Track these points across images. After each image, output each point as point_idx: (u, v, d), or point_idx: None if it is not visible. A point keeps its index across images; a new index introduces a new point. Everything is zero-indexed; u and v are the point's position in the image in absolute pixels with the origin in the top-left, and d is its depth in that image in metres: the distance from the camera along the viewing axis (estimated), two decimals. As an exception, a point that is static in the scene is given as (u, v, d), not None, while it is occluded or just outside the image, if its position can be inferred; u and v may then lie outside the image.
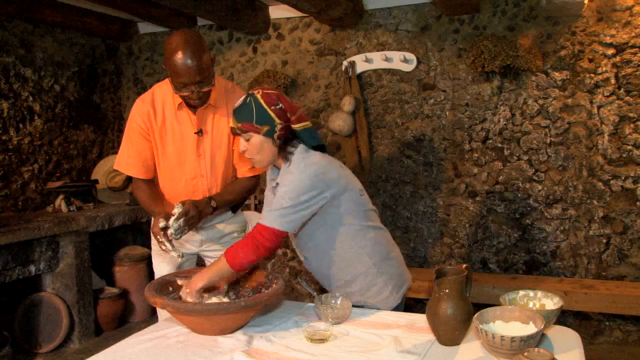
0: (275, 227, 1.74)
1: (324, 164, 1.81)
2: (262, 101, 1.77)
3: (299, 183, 1.75)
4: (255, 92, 1.80)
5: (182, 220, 1.92)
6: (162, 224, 1.92)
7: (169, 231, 1.91)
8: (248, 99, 1.78)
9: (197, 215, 1.98)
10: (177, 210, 1.94)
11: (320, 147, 1.88)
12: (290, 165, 1.80)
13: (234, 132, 1.83)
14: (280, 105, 1.79)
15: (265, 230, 1.75)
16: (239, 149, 2.17)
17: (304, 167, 1.77)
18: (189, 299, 1.78)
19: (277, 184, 1.85)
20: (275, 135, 1.78)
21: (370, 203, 1.98)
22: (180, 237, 1.95)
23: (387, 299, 1.95)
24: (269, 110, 1.76)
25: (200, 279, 1.78)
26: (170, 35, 1.99)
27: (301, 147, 1.83)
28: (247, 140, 1.80)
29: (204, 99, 2.06)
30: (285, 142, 1.82)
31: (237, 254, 1.75)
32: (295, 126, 1.81)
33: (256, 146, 1.80)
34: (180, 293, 1.83)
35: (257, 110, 1.76)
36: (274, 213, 1.75)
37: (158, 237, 1.94)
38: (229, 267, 1.76)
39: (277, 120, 1.77)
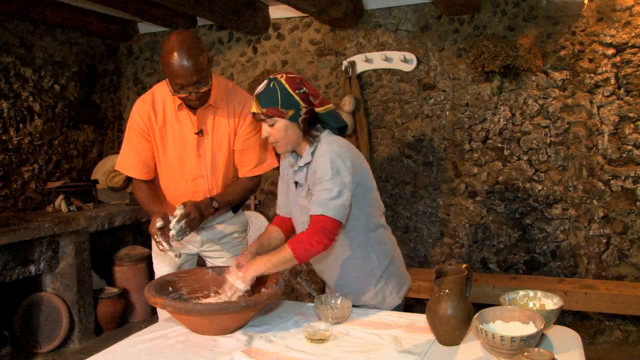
0: (335, 217, 1.71)
1: (352, 147, 1.84)
2: (286, 85, 1.74)
3: (337, 161, 1.74)
4: (279, 76, 1.77)
5: (183, 222, 1.92)
6: (159, 223, 1.91)
7: (171, 233, 1.91)
8: (272, 83, 1.75)
9: (199, 216, 1.98)
10: (178, 212, 1.93)
11: (341, 129, 1.89)
12: (319, 148, 1.79)
13: (257, 118, 1.80)
14: (304, 89, 1.77)
15: (329, 219, 1.70)
16: (239, 149, 2.18)
17: (338, 148, 1.77)
18: (238, 285, 1.75)
19: (299, 167, 1.85)
20: (300, 119, 1.77)
21: (380, 201, 1.98)
22: (182, 238, 1.96)
23: (388, 299, 1.95)
24: (293, 94, 1.74)
25: (261, 267, 1.73)
26: (167, 37, 1.98)
27: (327, 131, 1.84)
28: (272, 125, 1.77)
29: (202, 100, 2.06)
30: (309, 125, 1.81)
31: (307, 246, 1.69)
32: (319, 109, 1.80)
33: (280, 131, 1.77)
34: (228, 276, 1.78)
35: (282, 95, 1.74)
36: (331, 203, 1.70)
37: (155, 236, 1.94)
38: (294, 259, 1.71)
39: (302, 104, 1.76)
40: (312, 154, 1.81)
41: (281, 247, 1.76)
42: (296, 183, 1.90)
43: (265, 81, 1.77)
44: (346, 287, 1.94)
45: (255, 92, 1.79)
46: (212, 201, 2.08)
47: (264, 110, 1.75)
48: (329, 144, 1.79)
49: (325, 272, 2.00)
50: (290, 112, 1.75)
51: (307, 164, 1.83)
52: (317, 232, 1.70)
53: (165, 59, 1.94)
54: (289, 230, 2.04)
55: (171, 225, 1.90)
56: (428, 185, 3.77)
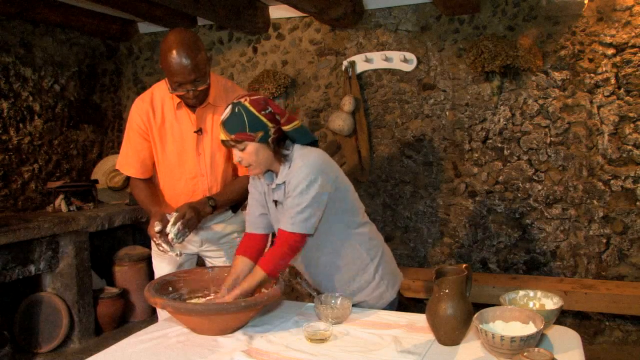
0: (301, 232, 1.78)
1: (324, 156, 1.85)
2: (251, 108, 1.74)
3: (308, 177, 1.76)
4: (242, 100, 1.77)
5: (179, 223, 1.93)
6: (157, 227, 1.93)
7: (170, 236, 1.92)
8: (236, 108, 1.75)
9: (195, 216, 1.99)
10: (173, 215, 1.95)
11: (313, 144, 1.90)
12: (293, 164, 1.81)
13: (227, 145, 1.80)
14: (269, 109, 1.78)
15: (293, 235, 1.78)
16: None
17: (311, 161, 1.78)
18: None
19: (277, 185, 1.85)
20: (270, 140, 1.77)
21: (360, 201, 2.00)
22: (182, 240, 1.97)
23: (383, 295, 1.98)
24: (260, 115, 1.74)
25: (239, 292, 1.80)
26: (165, 35, 1.99)
27: (297, 146, 1.84)
28: (242, 149, 1.77)
29: (200, 98, 2.06)
30: (278, 144, 1.81)
31: (275, 263, 1.79)
32: (286, 127, 1.81)
33: (252, 154, 1.77)
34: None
35: (249, 118, 1.73)
36: (297, 218, 1.77)
37: (154, 239, 1.96)
38: (266, 276, 1.80)
39: (270, 125, 1.76)
40: (289, 170, 1.82)
41: (254, 269, 1.83)
42: (275, 202, 1.90)
43: (230, 107, 1.77)
44: (343, 289, 1.94)
45: (221, 118, 1.77)
46: (209, 200, 2.09)
47: (233, 136, 1.75)
48: (302, 158, 1.80)
49: (319, 277, 2.00)
50: (259, 134, 1.75)
51: (285, 182, 1.83)
52: (285, 247, 1.79)
53: (163, 57, 1.95)
54: (257, 250, 1.97)
55: (168, 229, 1.92)
56: (428, 185, 3.77)
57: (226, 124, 1.75)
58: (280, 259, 1.79)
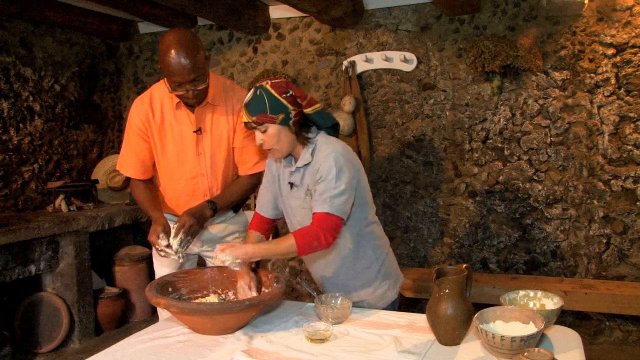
0: (339, 215, 1.75)
1: (348, 147, 1.87)
2: (272, 91, 1.77)
3: (339, 162, 1.77)
4: (264, 83, 1.80)
5: (181, 233, 1.94)
6: (164, 242, 1.95)
7: (174, 247, 1.94)
8: (258, 91, 1.78)
9: (195, 222, 1.99)
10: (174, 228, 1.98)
11: (335, 128, 1.92)
12: (320, 149, 1.82)
13: (249, 127, 1.82)
14: (291, 92, 1.80)
15: (332, 217, 1.74)
16: (239, 146, 2.19)
17: (340, 149, 1.80)
18: (226, 257, 1.71)
19: (297, 168, 1.86)
20: (291, 122, 1.79)
21: (372, 200, 2.01)
22: (187, 247, 1.98)
23: (385, 295, 1.99)
24: (280, 98, 1.77)
25: (260, 250, 1.76)
26: (164, 35, 1.99)
27: (322, 133, 1.87)
28: (264, 132, 1.79)
29: (200, 98, 2.06)
30: (301, 127, 1.83)
31: (312, 241, 1.73)
32: (307, 110, 1.82)
33: (273, 136, 1.79)
34: (219, 252, 1.75)
35: (270, 101, 1.76)
36: (335, 201, 1.74)
37: (156, 246, 1.97)
38: (295, 251, 1.73)
39: (291, 107, 1.78)
40: (312, 154, 1.83)
41: (285, 236, 1.76)
42: (291, 184, 1.91)
43: (252, 90, 1.80)
44: (345, 286, 1.94)
45: (244, 102, 1.81)
46: (209, 204, 2.08)
47: (254, 118, 1.77)
48: (331, 144, 1.82)
49: (323, 272, 2.00)
50: (281, 117, 1.77)
51: (307, 165, 1.84)
52: (323, 229, 1.73)
53: (162, 57, 1.94)
54: (266, 229, 2.04)
55: (170, 241, 1.93)
56: (428, 185, 3.77)
57: (248, 106, 1.78)
58: (315, 238, 1.72)
